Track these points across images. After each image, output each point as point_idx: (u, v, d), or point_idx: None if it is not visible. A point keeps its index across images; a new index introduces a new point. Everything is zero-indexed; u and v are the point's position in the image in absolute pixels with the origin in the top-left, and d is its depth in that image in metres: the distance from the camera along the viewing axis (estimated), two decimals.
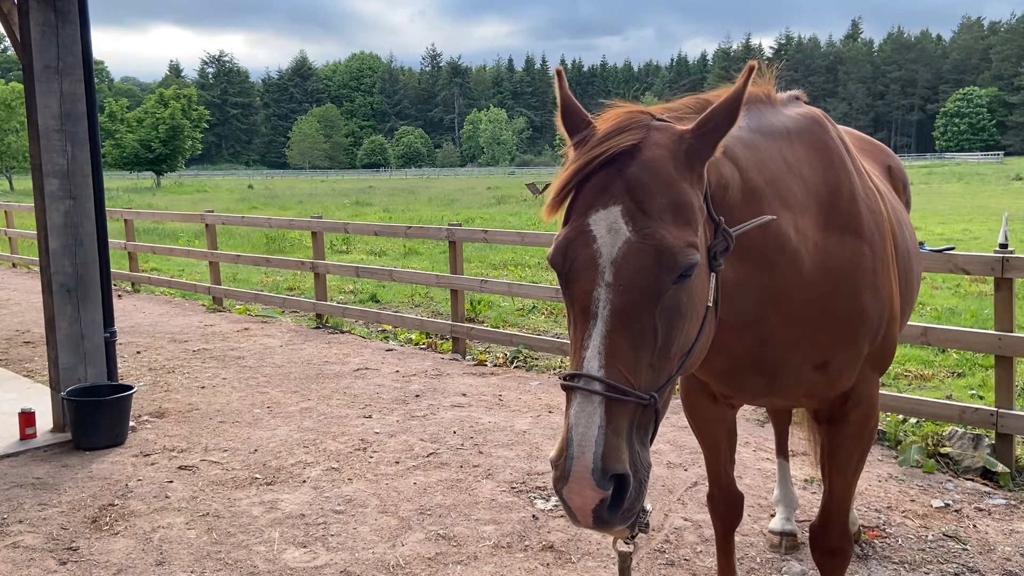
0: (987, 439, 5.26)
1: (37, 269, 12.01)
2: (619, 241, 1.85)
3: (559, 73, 2.10)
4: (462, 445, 5.73)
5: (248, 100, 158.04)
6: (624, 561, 2.25)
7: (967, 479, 5.03)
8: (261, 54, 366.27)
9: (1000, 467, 4.98)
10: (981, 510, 4.58)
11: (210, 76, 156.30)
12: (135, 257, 13.88)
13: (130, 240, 13.69)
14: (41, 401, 6.32)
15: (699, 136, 1.97)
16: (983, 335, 5.35)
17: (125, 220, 13.81)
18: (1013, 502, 4.68)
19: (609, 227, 1.87)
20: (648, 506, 1.91)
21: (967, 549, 4.10)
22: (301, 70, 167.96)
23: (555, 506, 4.66)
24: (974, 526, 4.36)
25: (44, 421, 6.04)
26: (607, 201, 1.90)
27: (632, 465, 1.79)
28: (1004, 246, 5.22)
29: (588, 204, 1.92)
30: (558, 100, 2.12)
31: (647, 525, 1.96)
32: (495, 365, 8.16)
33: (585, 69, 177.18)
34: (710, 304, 2.03)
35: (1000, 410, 5.10)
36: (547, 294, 8.28)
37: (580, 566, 3.98)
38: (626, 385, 1.80)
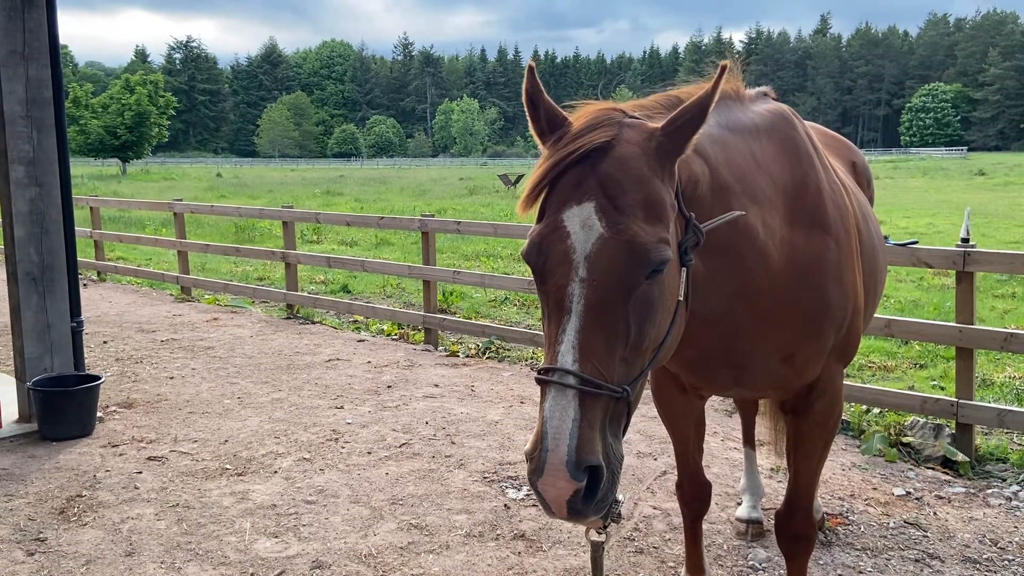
0: (947, 429, 5.39)
1: (0, 257, 11.80)
2: (593, 237, 1.88)
3: (530, 69, 2.07)
4: (434, 435, 5.75)
5: (216, 87, 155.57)
6: (596, 550, 2.29)
7: (928, 468, 5.15)
8: (232, 40, 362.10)
9: (960, 456, 5.12)
10: (941, 498, 4.70)
11: (177, 62, 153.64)
12: (101, 245, 13.65)
13: (96, 228, 13.46)
14: (5, 391, 6.22)
15: (670, 134, 1.99)
16: (944, 327, 5.48)
17: (91, 208, 13.58)
18: (972, 490, 4.81)
19: (583, 223, 1.90)
20: (621, 497, 1.95)
21: (928, 536, 4.21)
22: (271, 57, 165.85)
23: (526, 495, 4.71)
24: (934, 513, 4.48)
25: (9, 411, 5.94)
26: (581, 197, 1.92)
27: (605, 457, 1.83)
28: (966, 240, 5.35)
29: (562, 200, 1.94)
30: (525, 98, 2.07)
31: (619, 515, 2.00)
32: (467, 356, 8.18)
33: (558, 61, 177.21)
34: (681, 298, 2.07)
35: (960, 400, 5.23)
36: (519, 285, 8.31)
37: (551, 554, 4.03)
38: (599, 379, 1.84)
